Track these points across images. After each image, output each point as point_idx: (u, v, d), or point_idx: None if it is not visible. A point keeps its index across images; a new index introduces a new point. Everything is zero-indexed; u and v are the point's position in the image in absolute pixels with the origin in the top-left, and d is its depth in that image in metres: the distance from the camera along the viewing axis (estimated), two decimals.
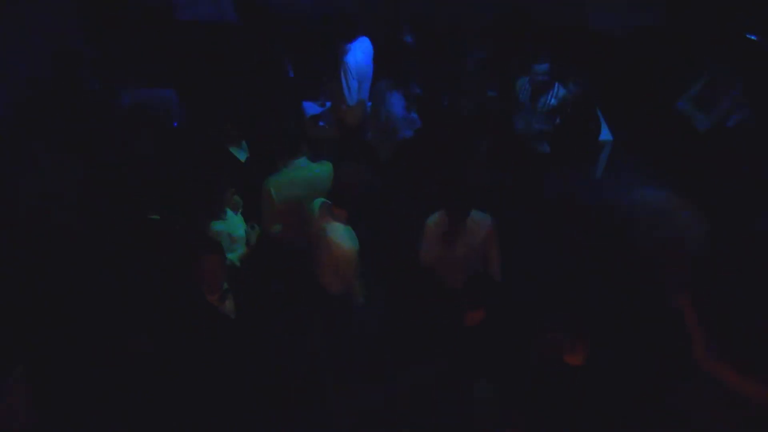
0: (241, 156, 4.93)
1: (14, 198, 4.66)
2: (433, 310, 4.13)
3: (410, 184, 5.14)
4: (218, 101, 5.69)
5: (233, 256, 4.23)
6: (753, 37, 5.59)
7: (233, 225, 4.30)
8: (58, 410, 3.76)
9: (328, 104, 6.26)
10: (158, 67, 6.24)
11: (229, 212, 4.30)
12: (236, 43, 6.45)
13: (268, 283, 4.42)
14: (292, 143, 4.34)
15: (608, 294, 4.07)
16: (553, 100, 5.67)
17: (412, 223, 4.30)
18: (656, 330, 3.71)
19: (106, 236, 4.26)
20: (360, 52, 5.49)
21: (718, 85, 5.81)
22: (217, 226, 4.16)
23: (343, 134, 5.93)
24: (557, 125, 5.68)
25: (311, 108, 6.34)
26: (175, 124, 5.82)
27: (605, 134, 5.95)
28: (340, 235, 3.91)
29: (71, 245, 4.28)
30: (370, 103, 5.90)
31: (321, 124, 6.20)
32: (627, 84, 6.41)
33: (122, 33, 6.68)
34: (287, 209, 4.27)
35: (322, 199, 4.11)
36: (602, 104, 6.06)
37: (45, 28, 6.22)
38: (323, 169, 4.40)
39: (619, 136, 6.05)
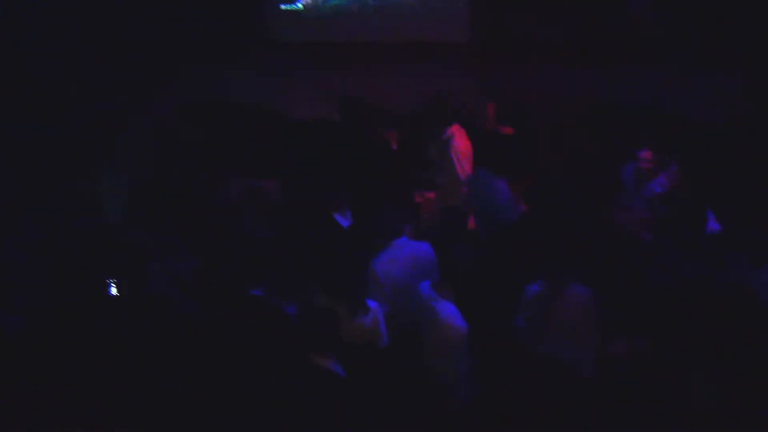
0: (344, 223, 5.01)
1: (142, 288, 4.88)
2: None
3: (513, 265, 5.00)
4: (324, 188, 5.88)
5: None
6: None
7: None
8: None
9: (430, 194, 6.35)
10: (265, 160, 6.58)
11: None
12: (341, 138, 6.82)
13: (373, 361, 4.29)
14: (394, 225, 4.39)
15: None
16: (657, 188, 5.45)
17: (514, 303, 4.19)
18: None
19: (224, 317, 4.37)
20: (462, 136, 5.70)
21: None
22: None
23: (445, 216, 5.94)
24: (661, 213, 5.44)
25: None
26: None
27: (711, 224, 5.59)
28: (449, 315, 3.80)
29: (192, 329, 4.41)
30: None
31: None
32: (733, 173, 6.13)
33: (230, 132, 7.24)
34: (392, 289, 4.22)
35: (429, 280, 4.04)
36: (708, 194, 5.79)
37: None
38: (424, 248, 4.39)
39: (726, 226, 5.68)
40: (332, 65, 7.57)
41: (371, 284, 4.21)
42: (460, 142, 5.68)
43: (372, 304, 4.02)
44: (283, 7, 7.54)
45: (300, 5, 7.52)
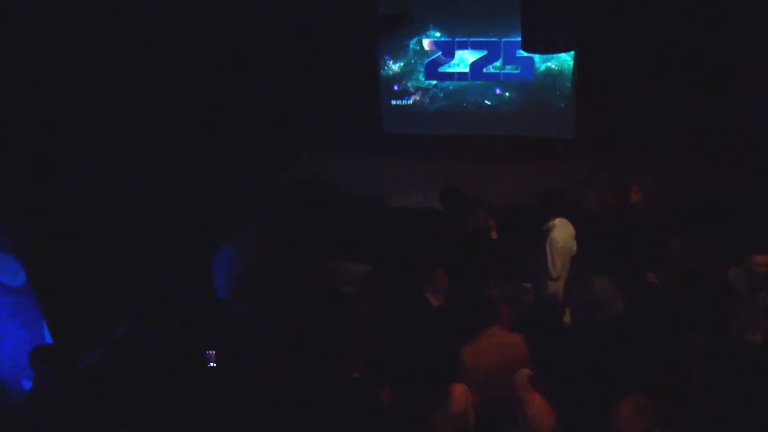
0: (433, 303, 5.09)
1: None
2: None
3: (610, 364, 4.81)
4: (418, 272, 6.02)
5: None
6: None
7: None
8: None
9: (524, 287, 6.32)
10: (369, 245, 6.86)
11: None
12: (441, 226, 7.01)
13: None
14: (486, 314, 4.43)
15: None
16: None
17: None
18: None
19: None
20: (563, 229, 5.65)
21: None
22: None
23: (539, 308, 5.86)
24: None
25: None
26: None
27: None
28: (539, 409, 3.75)
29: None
30: None
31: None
32: None
33: (338, 216, 7.65)
34: (483, 379, 4.21)
35: (524, 371, 4.00)
36: None
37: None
38: (515, 339, 4.38)
39: None
40: (437, 157, 7.88)
41: (461, 371, 4.22)
42: (559, 235, 5.66)
43: (461, 389, 4.04)
44: (394, 102, 8.00)
45: (409, 101, 7.98)
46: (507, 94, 7.65)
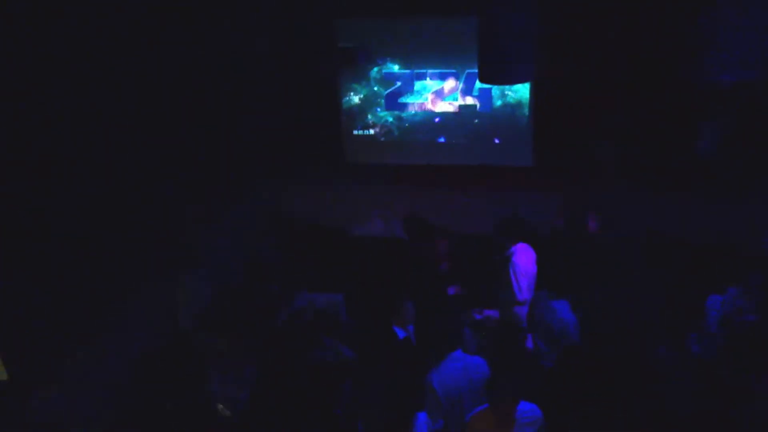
0: (401, 334, 5.09)
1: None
2: None
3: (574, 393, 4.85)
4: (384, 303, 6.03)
5: None
6: None
7: None
8: None
9: (487, 313, 6.37)
10: (331, 274, 6.83)
11: None
12: (403, 255, 7.05)
13: None
14: (451, 338, 4.45)
15: None
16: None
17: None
18: None
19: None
20: (525, 256, 5.74)
21: None
22: None
23: (503, 335, 5.90)
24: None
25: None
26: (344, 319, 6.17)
27: None
28: None
29: None
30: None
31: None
32: None
33: (303, 247, 7.61)
34: (448, 402, 4.21)
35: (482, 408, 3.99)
36: None
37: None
38: (479, 362, 4.43)
39: None
40: (398, 186, 7.96)
41: (428, 396, 4.21)
42: (521, 260, 5.74)
43: (422, 418, 4.04)
44: (356, 132, 8.08)
45: (371, 132, 8.07)
46: (467, 123, 7.81)
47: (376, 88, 7.88)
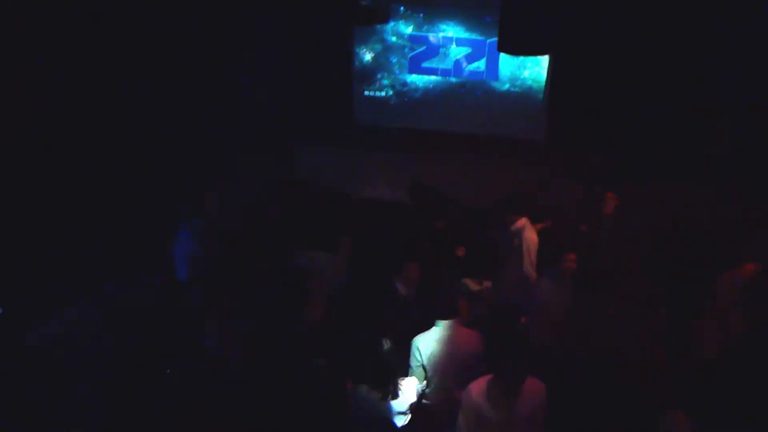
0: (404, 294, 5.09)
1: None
2: None
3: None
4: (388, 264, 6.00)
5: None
6: None
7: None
8: None
9: (485, 285, 6.36)
10: (334, 233, 6.82)
11: None
12: (408, 221, 7.02)
13: None
14: (445, 307, 4.43)
15: None
16: None
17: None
18: None
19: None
20: (531, 229, 5.73)
21: None
22: None
23: (497, 313, 5.89)
24: None
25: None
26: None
27: None
28: None
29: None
30: None
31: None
32: None
33: (307, 207, 7.60)
34: (431, 369, 4.21)
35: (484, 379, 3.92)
36: None
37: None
38: (471, 335, 4.36)
39: None
40: (409, 150, 7.88)
41: (411, 358, 4.22)
42: (530, 234, 5.70)
43: (411, 383, 4.07)
44: (367, 93, 7.97)
45: (384, 93, 7.96)
46: (483, 93, 7.67)
47: (392, 50, 7.72)
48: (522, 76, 7.47)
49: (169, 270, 6.30)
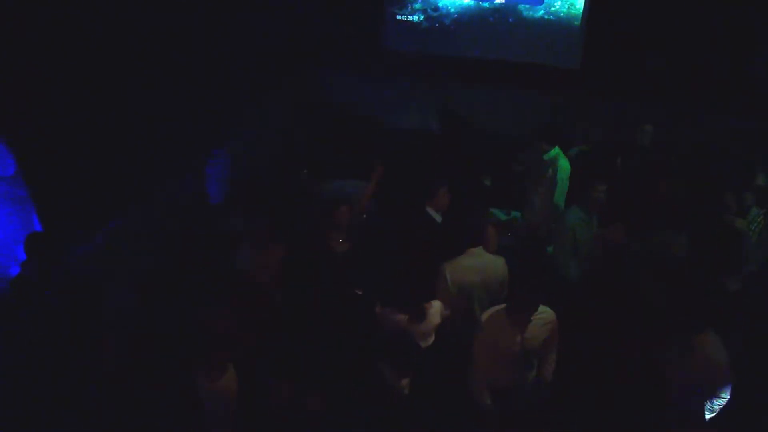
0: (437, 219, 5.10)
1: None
2: None
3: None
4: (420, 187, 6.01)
5: None
6: None
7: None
8: None
9: (514, 214, 6.36)
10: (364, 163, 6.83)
11: None
12: (438, 149, 6.98)
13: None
14: (473, 233, 4.47)
15: None
16: None
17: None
18: None
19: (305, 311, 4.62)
20: (564, 158, 5.69)
21: None
22: None
23: (526, 242, 5.92)
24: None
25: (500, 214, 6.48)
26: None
27: None
28: None
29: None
30: None
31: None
32: None
33: (335, 135, 7.59)
34: (459, 294, 4.30)
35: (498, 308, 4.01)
36: None
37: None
38: (497, 262, 4.43)
39: None
40: (440, 78, 7.73)
41: (439, 284, 4.31)
42: (564, 163, 5.68)
43: (437, 306, 4.17)
44: (399, 17, 7.76)
45: (416, 18, 7.75)
46: (516, 19, 7.41)
47: None
48: (557, 2, 7.17)
49: (202, 192, 6.43)
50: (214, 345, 3.62)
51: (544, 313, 3.86)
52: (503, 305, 3.88)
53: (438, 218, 5.05)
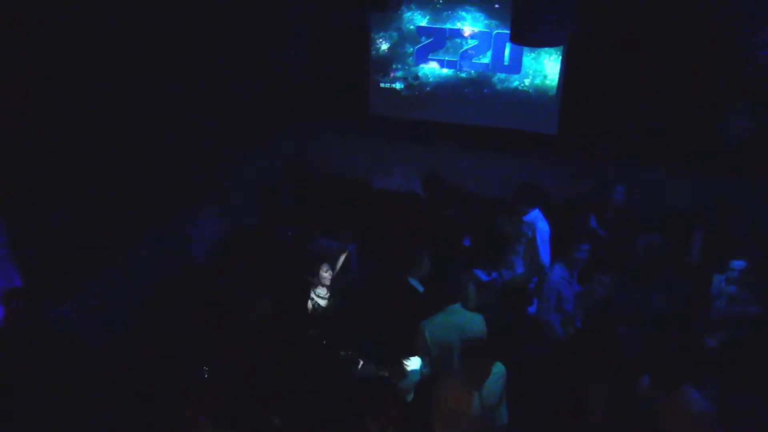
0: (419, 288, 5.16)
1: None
2: None
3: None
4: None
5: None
6: None
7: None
8: None
9: (494, 275, 6.44)
10: (347, 223, 6.94)
11: None
12: (419, 210, 7.12)
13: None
14: (452, 291, 4.54)
15: None
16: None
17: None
18: None
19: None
20: (545, 223, 5.81)
21: None
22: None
23: (508, 301, 5.97)
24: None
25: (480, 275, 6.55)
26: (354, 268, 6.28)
27: None
28: None
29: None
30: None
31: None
32: None
33: (321, 195, 7.74)
34: (438, 351, 4.33)
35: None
36: None
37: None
38: (476, 318, 4.48)
39: None
40: (422, 142, 7.97)
41: (418, 341, 4.33)
42: (544, 225, 5.79)
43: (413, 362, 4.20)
44: (382, 85, 8.07)
45: (398, 86, 8.06)
46: (493, 87, 7.73)
47: (405, 43, 7.80)
48: (535, 70, 7.51)
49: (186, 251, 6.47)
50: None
51: (496, 367, 3.91)
52: (455, 370, 3.92)
53: (419, 288, 5.14)
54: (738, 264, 5.46)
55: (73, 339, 4.52)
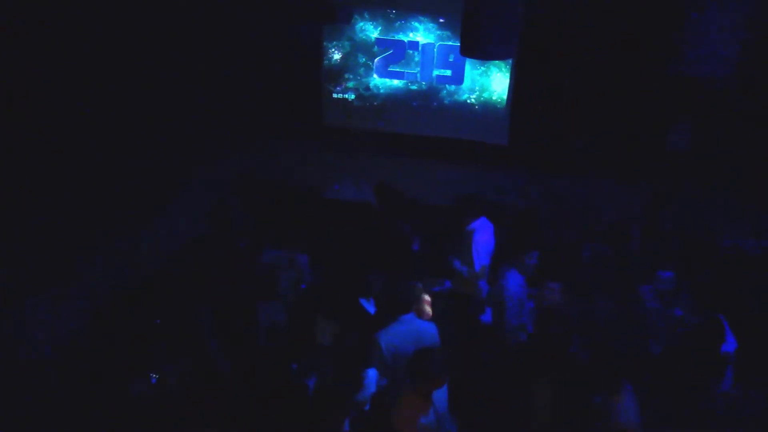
0: (370, 310, 5.19)
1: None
2: None
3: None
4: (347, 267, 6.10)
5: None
6: None
7: None
8: None
9: (447, 284, 6.50)
10: (298, 234, 6.89)
11: None
12: (371, 220, 7.12)
13: None
14: (404, 302, 4.57)
15: None
16: (678, 311, 5.49)
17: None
18: None
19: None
20: (486, 232, 5.85)
21: None
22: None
23: (458, 306, 6.04)
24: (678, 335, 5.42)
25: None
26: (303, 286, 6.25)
27: (731, 344, 5.47)
28: None
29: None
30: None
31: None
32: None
33: (272, 204, 7.66)
34: (394, 362, 4.33)
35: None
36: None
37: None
38: (429, 329, 4.52)
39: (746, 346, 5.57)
40: (375, 152, 8.00)
41: (374, 353, 4.33)
42: (482, 236, 5.84)
43: (372, 375, 4.19)
44: (335, 96, 8.07)
45: (349, 96, 8.06)
46: (444, 98, 7.83)
47: (359, 54, 7.83)
48: (484, 83, 7.65)
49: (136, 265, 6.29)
50: None
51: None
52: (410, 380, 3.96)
53: (372, 309, 5.18)
54: (665, 275, 5.66)
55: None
